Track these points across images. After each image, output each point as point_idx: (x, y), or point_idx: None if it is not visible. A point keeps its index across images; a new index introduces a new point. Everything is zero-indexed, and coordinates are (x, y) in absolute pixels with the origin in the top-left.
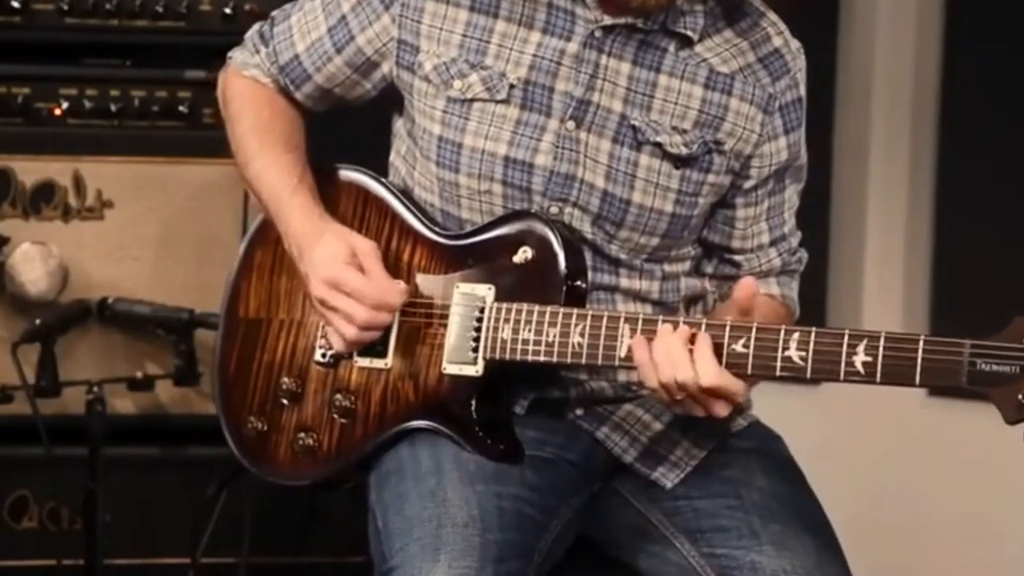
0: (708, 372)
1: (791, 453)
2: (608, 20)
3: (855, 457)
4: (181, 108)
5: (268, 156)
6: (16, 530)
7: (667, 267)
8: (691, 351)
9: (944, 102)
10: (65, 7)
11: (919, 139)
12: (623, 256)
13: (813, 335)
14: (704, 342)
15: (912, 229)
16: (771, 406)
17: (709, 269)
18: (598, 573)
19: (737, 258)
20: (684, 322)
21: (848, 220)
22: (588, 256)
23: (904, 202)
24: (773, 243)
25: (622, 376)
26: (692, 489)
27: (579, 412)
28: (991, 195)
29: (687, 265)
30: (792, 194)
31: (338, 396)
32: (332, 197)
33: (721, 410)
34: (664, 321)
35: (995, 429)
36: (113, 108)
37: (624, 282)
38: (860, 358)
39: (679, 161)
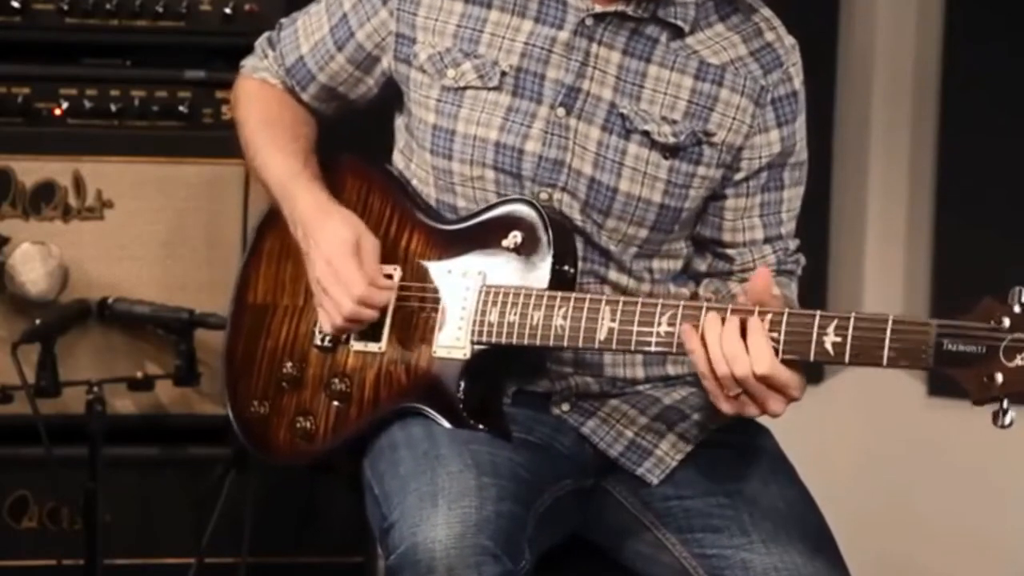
0: (761, 360)
1: (780, 446)
2: (599, 8)
3: (855, 456)
4: (181, 108)
5: (275, 145)
6: (16, 530)
7: (657, 264)
8: (744, 341)
9: (944, 100)
10: (65, 7)
11: (919, 137)
12: (612, 247)
13: (785, 316)
14: (756, 328)
15: (912, 227)
16: None
17: (703, 267)
18: (594, 573)
19: (730, 252)
20: (710, 307)
21: (848, 219)
22: (579, 245)
23: (904, 201)
24: (767, 240)
25: (608, 371)
26: (683, 488)
27: (565, 408)
28: (991, 193)
29: (679, 264)
30: (792, 196)
31: (335, 380)
32: (338, 183)
33: (777, 406)
34: (709, 308)
35: (995, 429)
36: (113, 108)
37: (612, 275)
38: (830, 339)
39: (667, 151)
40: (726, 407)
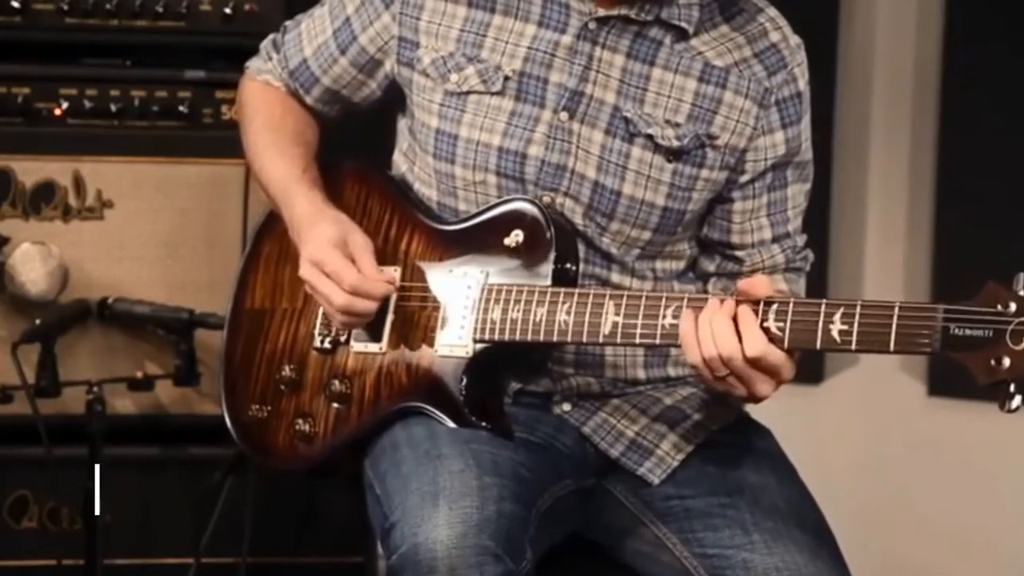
0: (754, 341)
1: (781, 447)
2: (602, 12)
3: (855, 456)
4: (181, 108)
5: (276, 149)
6: (16, 530)
7: (660, 264)
8: (735, 324)
9: (944, 100)
10: (65, 7)
11: (919, 137)
12: (614, 251)
13: (791, 305)
14: (746, 313)
15: (912, 227)
16: (770, 405)
17: (712, 267)
18: (594, 573)
19: (739, 254)
20: (714, 297)
21: (848, 219)
22: (581, 249)
23: (904, 201)
24: (776, 240)
25: (609, 372)
26: (683, 488)
27: (566, 408)
28: (991, 192)
29: (682, 264)
30: (797, 193)
31: (334, 382)
32: (336, 186)
33: (764, 388)
34: (691, 298)
35: (995, 429)
36: (113, 108)
37: (615, 277)
38: (837, 327)
39: (671, 154)
40: (716, 386)
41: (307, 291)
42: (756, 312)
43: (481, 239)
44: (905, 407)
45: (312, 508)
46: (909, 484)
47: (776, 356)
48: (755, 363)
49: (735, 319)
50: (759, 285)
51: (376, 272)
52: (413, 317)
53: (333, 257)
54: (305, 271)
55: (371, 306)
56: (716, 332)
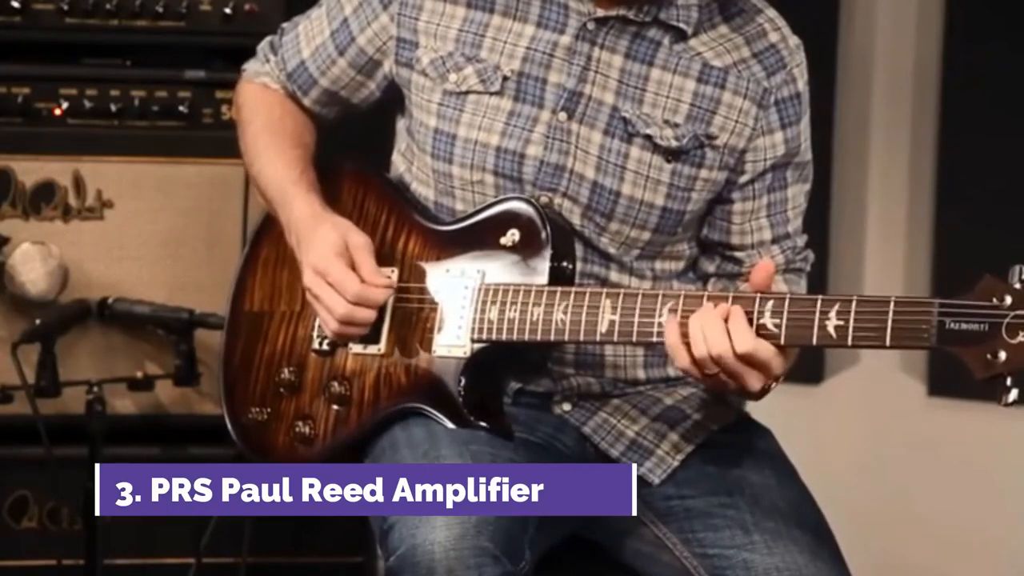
0: (744, 339)
1: (781, 447)
2: (600, 12)
3: (855, 456)
4: (181, 108)
5: (274, 151)
6: (16, 530)
7: (659, 265)
8: (725, 323)
9: (944, 100)
10: (65, 7)
11: (919, 137)
12: (613, 251)
13: (787, 301)
14: (737, 312)
15: (912, 227)
16: (770, 405)
17: (712, 268)
18: (594, 573)
19: (738, 255)
20: (711, 296)
21: (848, 219)
22: (580, 249)
23: (904, 201)
24: (775, 240)
25: (609, 372)
26: (684, 488)
27: (566, 408)
28: (991, 192)
29: (681, 265)
30: (797, 194)
31: (333, 383)
32: (333, 187)
33: (755, 382)
34: (687, 296)
35: (995, 429)
36: (113, 108)
37: (614, 276)
38: (832, 323)
39: (670, 154)
40: (706, 383)
41: (308, 298)
42: (751, 309)
43: (478, 239)
44: (905, 407)
45: None
46: (909, 484)
47: (766, 351)
48: (745, 359)
49: (726, 319)
50: (764, 271)
51: (376, 272)
52: (411, 318)
53: (337, 267)
54: (308, 279)
55: (371, 315)
56: (707, 333)
